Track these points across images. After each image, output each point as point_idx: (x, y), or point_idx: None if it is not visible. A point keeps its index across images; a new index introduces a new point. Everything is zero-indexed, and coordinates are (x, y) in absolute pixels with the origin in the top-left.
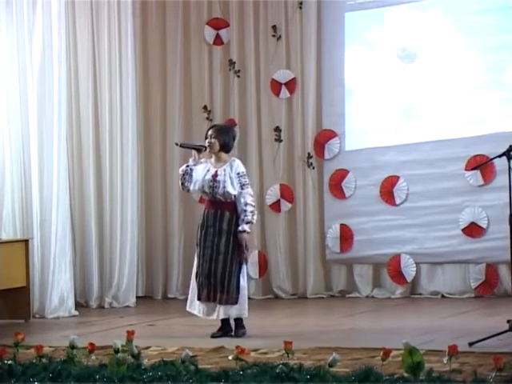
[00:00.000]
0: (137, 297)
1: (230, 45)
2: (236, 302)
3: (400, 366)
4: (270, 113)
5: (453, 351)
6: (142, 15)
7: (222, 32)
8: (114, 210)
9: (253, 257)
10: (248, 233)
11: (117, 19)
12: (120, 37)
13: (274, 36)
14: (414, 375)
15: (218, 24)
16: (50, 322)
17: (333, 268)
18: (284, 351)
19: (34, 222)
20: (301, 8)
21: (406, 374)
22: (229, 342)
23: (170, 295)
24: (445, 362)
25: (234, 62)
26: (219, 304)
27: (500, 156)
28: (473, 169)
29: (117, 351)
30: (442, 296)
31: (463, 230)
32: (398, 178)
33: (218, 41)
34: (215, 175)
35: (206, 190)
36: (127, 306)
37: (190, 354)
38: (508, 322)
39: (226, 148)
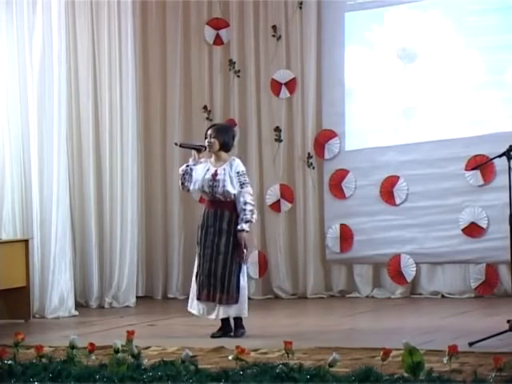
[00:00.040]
0: (137, 297)
1: (230, 45)
2: (236, 302)
3: (400, 366)
4: (269, 113)
5: (453, 351)
6: (142, 15)
7: (222, 32)
8: (114, 210)
9: (253, 257)
10: (247, 232)
11: (117, 19)
12: (120, 37)
13: (274, 36)
14: (414, 375)
15: (217, 24)
16: (49, 322)
17: (333, 268)
18: (284, 351)
19: (33, 222)
20: (301, 8)
21: (405, 374)
22: (229, 342)
23: (169, 295)
24: (445, 362)
25: (234, 62)
26: (219, 304)
27: (500, 156)
28: (473, 169)
29: (117, 351)
30: (442, 296)
31: (463, 230)
32: (398, 178)
33: (217, 41)
34: (215, 174)
35: (206, 189)
36: (127, 306)
37: (190, 353)
38: (508, 321)
39: (225, 147)
